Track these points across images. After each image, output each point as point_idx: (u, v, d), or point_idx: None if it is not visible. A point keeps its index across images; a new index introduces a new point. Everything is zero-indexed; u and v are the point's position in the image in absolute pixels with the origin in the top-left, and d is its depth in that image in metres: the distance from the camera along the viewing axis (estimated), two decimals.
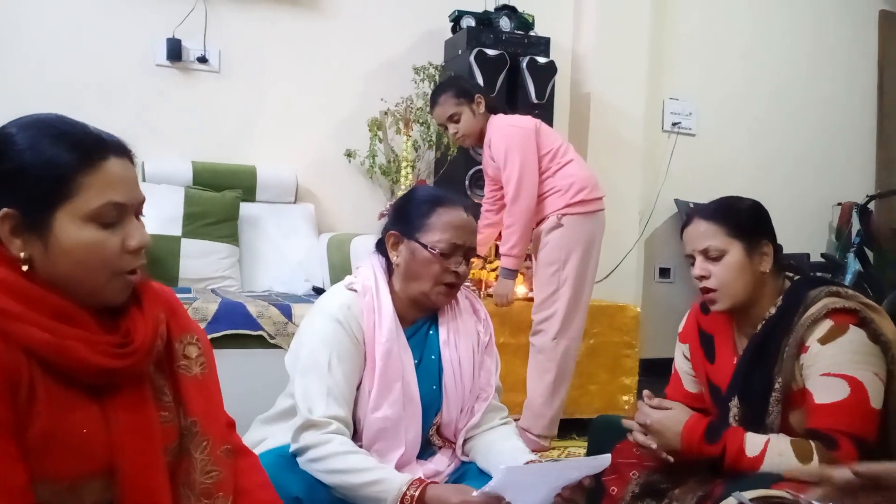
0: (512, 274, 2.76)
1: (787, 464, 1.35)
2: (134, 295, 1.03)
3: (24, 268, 0.93)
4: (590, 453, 1.90)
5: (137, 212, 1.02)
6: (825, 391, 1.39)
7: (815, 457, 1.34)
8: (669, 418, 1.47)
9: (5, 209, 0.92)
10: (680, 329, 1.75)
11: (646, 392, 1.54)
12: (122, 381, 0.98)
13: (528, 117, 2.81)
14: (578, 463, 1.38)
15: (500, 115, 2.78)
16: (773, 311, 1.52)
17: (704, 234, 1.54)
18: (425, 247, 1.53)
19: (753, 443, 1.39)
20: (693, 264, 1.57)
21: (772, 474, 1.34)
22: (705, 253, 1.53)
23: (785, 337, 1.46)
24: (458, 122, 2.78)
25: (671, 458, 1.46)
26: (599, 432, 1.90)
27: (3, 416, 0.86)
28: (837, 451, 1.34)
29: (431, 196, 1.60)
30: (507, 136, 2.70)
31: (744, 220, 1.55)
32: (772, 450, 1.37)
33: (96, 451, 0.94)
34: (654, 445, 1.46)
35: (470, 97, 2.77)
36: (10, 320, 0.88)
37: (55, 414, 0.91)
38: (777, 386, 1.45)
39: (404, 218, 1.59)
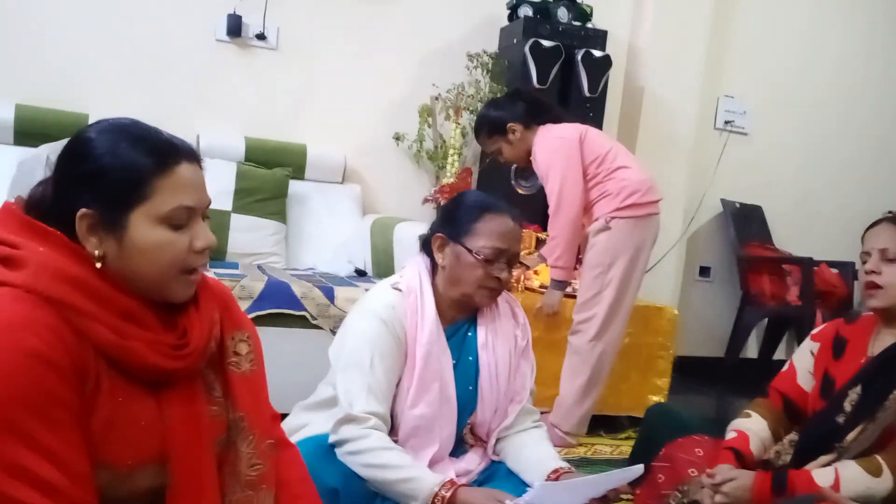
0: (561, 285, 2.77)
1: (863, 483, 1.40)
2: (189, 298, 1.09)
3: (98, 265, 0.98)
4: (642, 440, 1.93)
5: (204, 214, 1.07)
6: None
7: (885, 469, 1.40)
8: (737, 487, 1.51)
9: (84, 209, 0.98)
10: (814, 332, 1.79)
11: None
12: (176, 378, 1.04)
13: (575, 125, 2.77)
14: (610, 476, 1.42)
15: (546, 127, 2.74)
16: None
17: (888, 235, 1.60)
18: (470, 251, 1.57)
19: (822, 475, 1.45)
20: (866, 262, 1.62)
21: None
22: (884, 253, 1.59)
23: None
24: (501, 154, 2.83)
25: None
26: (654, 420, 1.94)
27: (72, 404, 0.91)
28: None
29: (480, 202, 1.64)
30: (548, 150, 2.69)
31: None
32: (844, 477, 1.43)
33: (151, 441, 1.00)
34: None
35: (502, 131, 2.76)
36: (82, 318, 0.94)
37: (116, 405, 0.97)
38: None
39: (452, 222, 1.63)
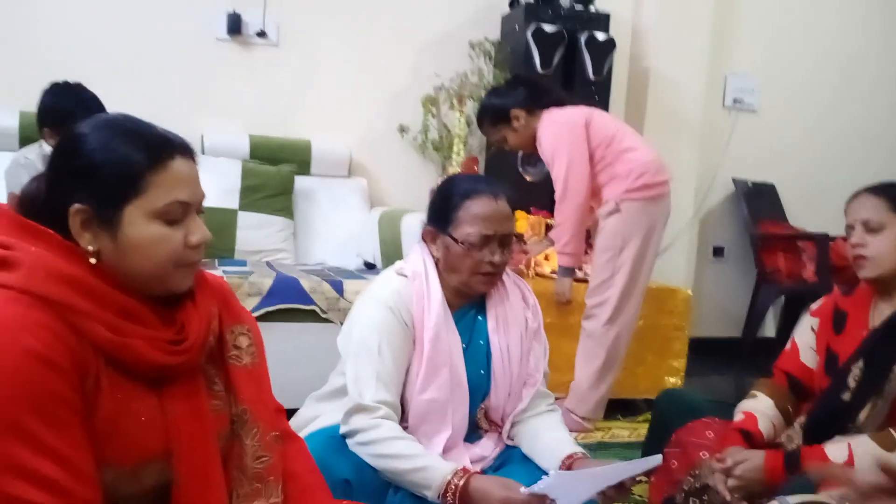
0: (569, 272, 2.75)
1: (879, 459, 1.37)
2: (189, 288, 1.08)
3: (93, 261, 0.97)
4: (653, 427, 1.91)
5: (198, 209, 1.06)
6: None
7: None
8: (749, 468, 1.48)
9: (77, 205, 0.96)
10: (813, 308, 1.76)
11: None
12: (176, 374, 1.03)
13: (580, 109, 2.73)
14: (627, 465, 1.40)
15: (550, 112, 2.70)
16: None
17: (868, 206, 1.58)
18: (456, 241, 1.55)
19: (835, 451, 1.41)
20: (851, 235, 1.60)
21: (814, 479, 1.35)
22: (866, 224, 1.57)
23: None
24: (506, 142, 2.79)
25: None
26: (665, 407, 1.91)
27: (74, 403, 0.91)
28: None
29: (460, 189, 1.60)
30: (553, 135, 2.66)
31: None
32: (858, 452, 1.39)
33: (154, 438, 0.99)
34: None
35: (505, 118, 2.72)
36: (79, 317, 0.92)
37: (117, 403, 0.96)
38: None
39: (437, 213, 1.62)
